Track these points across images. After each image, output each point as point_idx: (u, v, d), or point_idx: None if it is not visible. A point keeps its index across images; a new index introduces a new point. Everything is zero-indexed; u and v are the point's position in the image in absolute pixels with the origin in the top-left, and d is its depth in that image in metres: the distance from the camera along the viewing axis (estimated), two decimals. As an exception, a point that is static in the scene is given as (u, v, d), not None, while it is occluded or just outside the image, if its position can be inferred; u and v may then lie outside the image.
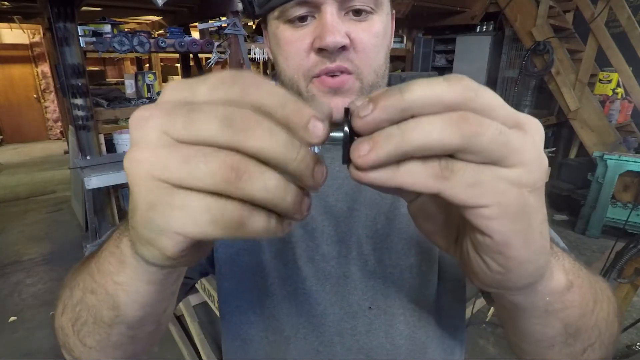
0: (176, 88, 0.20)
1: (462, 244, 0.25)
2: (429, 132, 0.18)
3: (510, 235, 0.21)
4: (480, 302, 2.00)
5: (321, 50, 0.42)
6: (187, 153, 0.18)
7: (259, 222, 0.20)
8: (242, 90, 0.19)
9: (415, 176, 0.19)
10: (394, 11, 0.51)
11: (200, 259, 0.25)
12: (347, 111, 0.22)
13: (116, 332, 0.30)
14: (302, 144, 0.20)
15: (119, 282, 0.26)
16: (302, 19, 0.44)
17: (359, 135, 0.21)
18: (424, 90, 0.19)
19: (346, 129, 0.21)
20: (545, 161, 0.21)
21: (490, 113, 0.19)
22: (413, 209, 0.26)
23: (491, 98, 0.20)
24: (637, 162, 2.92)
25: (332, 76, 0.44)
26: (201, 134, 0.18)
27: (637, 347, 1.82)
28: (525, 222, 0.21)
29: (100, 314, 0.29)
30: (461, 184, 0.19)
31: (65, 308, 0.33)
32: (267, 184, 0.19)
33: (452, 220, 0.26)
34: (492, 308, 2.05)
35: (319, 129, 0.19)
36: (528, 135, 0.20)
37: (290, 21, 0.44)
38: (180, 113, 0.19)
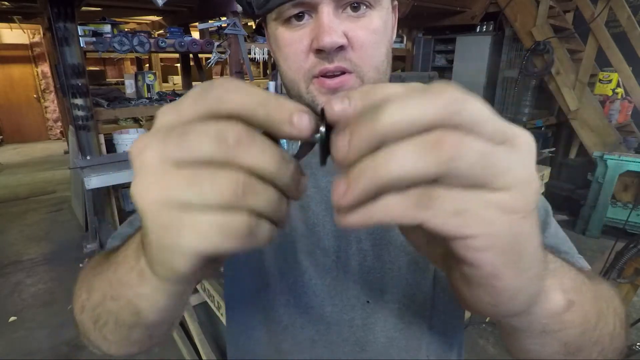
0: (164, 112, 0.21)
1: (450, 271, 0.23)
2: (402, 163, 0.17)
3: (500, 267, 0.19)
4: (480, 302, 2.00)
5: (319, 51, 0.42)
6: (191, 175, 0.19)
7: (265, 231, 0.21)
8: (220, 98, 0.19)
9: (391, 208, 0.18)
10: (396, 2, 0.50)
11: (215, 271, 0.27)
12: (323, 113, 0.21)
13: (136, 332, 0.32)
14: (292, 159, 0.20)
15: (141, 294, 0.28)
16: (299, 17, 0.43)
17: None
18: (401, 112, 0.17)
19: (322, 129, 0.20)
20: (537, 181, 0.19)
21: (476, 128, 0.17)
22: None
23: (478, 110, 0.18)
24: (637, 162, 2.92)
25: (332, 77, 0.44)
26: (198, 155, 0.19)
27: (637, 347, 1.82)
28: (517, 252, 0.19)
29: (122, 318, 0.31)
30: (443, 213, 0.18)
31: (84, 308, 0.35)
32: (269, 197, 0.20)
33: (437, 239, 0.25)
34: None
35: (305, 120, 0.19)
36: (517, 153, 0.18)
37: (288, 21, 0.44)
38: (173, 137, 0.19)
